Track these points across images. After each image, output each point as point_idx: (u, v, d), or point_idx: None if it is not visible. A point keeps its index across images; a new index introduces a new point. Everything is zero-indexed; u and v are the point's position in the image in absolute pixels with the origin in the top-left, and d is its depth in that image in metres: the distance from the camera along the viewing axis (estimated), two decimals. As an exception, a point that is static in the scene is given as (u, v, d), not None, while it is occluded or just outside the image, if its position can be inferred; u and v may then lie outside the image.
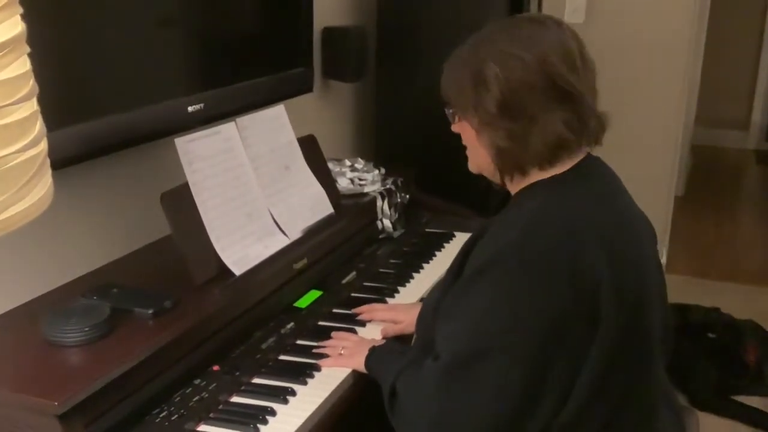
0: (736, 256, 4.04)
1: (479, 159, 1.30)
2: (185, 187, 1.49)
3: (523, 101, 1.19)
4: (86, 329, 1.25)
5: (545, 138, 1.20)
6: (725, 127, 5.93)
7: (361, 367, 1.40)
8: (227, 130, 1.63)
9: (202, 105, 1.68)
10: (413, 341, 1.46)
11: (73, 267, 1.53)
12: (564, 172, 1.23)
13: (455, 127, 1.32)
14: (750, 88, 5.89)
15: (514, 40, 1.20)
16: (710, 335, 2.66)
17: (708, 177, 5.27)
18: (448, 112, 1.31)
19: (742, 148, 5.95)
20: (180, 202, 1.47)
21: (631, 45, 3.27)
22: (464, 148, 1.33)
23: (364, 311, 1.62)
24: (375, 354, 1.40)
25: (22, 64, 0.75)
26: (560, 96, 1.19)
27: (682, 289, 3.11)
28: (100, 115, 1.45)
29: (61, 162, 1.36)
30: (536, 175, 1.25)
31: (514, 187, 1.29)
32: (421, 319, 1.41)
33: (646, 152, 3.32)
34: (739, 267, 3.89)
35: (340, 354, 1.44)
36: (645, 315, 1.21)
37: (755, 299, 3.46)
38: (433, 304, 1.33)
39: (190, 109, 1.65)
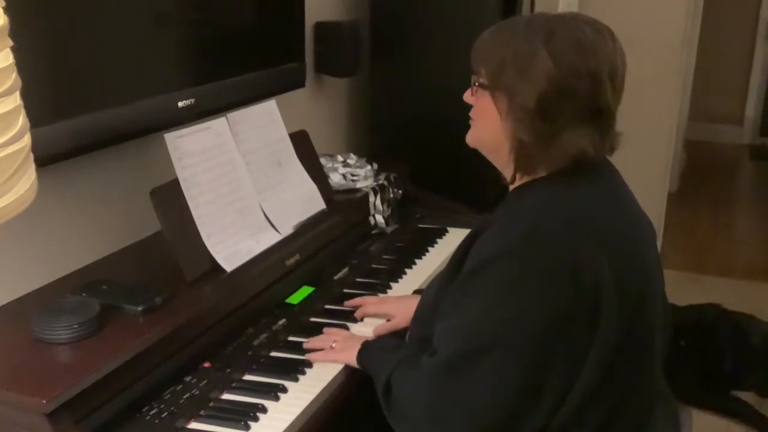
0: (730, 251, 4.05)
1: (486, 137, 1.26)
2: (175, 183, 1.48)
3: (562, 107, 1.16)
4: (75, 326, 1.24)
5: (569, 149, 1.18)
6: (719, 122, 5.94)
7: (352, 361, 1.39)
8: (218, 125, 1.62)
9: (192, 100, 1.66)
10: (408, 336, 1.45)
11: (62, 264, 1.52)
12: (567, 170, 1.21)
13: (470, 98, 1.27)
14: (743, 83, 5.90)
15: (576, 43, 1.16)
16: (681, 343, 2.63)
17: (702, 172, 5.28)
18: (474, 81, 1.25)
19: (736, 143, 5.96)
20: (170, 198, 1.46)
21: (625, 40, 3.25)
22: (460, 142, 1.30)
23: (356, 304, 1.61)
24: (367, 349, 1.39)
25: (4, 58, 0.74)
26: (596, 113, 1.17)
27: (676, 285, 3.11)
28: (90, 111, 1.44)
29: (51, 158, 1.36)
30: (540, 175, 1.23)
31: (517, 180, 1.26)
32: (418, 315, 1.39)
33: (640, 148, 3.31)
34: (734, 262, 3.90)
35: (332, 347, 1.43)
36: (645, 315, 1.20)
37: (750, 294, 3.46)
38: (431, 300, 1.32)
39: (180, 104, 1.64)
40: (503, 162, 1.26)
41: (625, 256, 1.17)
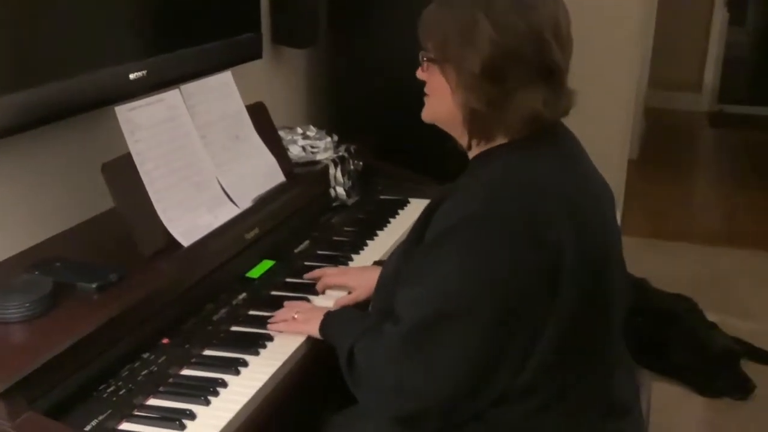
0: (690, 217, 4.11)
1: (440, 111, 1.26)
2: (128, 157, 1.45)
3: (509, 70, 1.16)
4: (27, 305, 1.22)
5: (522, 111, 1.18)
6: (678, 89, 5.99)
7: (315, 332, 1.38)
8: (171, 97, 1.59)
9: (144, 72, 1.63)
10: (370, 306, 1.44)
11: (13, 242, 1.48)
12: (525, 137, 1.21)
13: (422, 74, 1.27)
14: (702, 50, 5.95)
15: (515, 5, 1.16)
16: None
17: (661, 139, 5.33)
18: (422, 57, 1.26)
19: (694, 110, 6.02)
20: (123, 173, 1.43)
21: (585, 8, 3.26)
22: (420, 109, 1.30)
23: (316, 276, 1.61)
24: (330, 319, 1.38)
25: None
26: (545, 72, 1.17)
27: (636, 250, 3.15)
28: (38, 84, 1.39)
29: (-4, 133, 1.32)
30: (499, 142, 1.23)
31: (474, 150, 1.27)
32: (380, 286, 1.39)
33: (599, 115, 3.33)
34: (693, 227, 3.96)
35: (294, 319, 1.42)
36: (606, 279, 1.21)
37: (709, 258, 3.52)
38: (392, 270, 1.32)
39: (132, 76, 1.60)
40: (459, 133, 1.27)
41: (584, 221, 1.18)
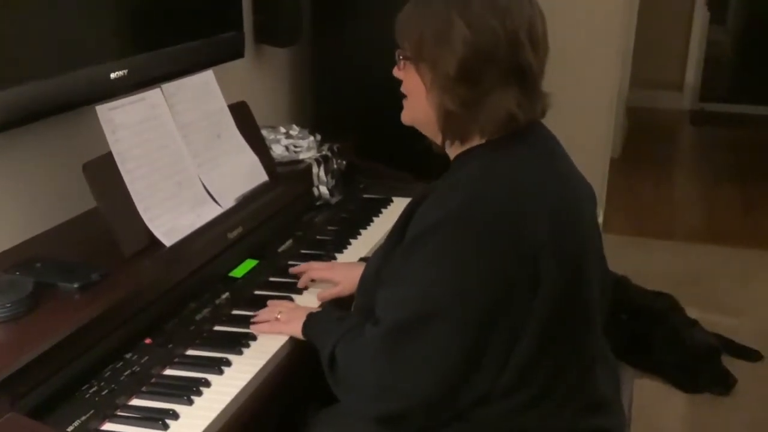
0: (671, 215, 4.15)
1: (417, 112, 1.27)
2: (109, 156, 1.44)
3: (483, 71, 1.17)
4: (8, 305, 1.21)
5: (495, 112, 1.19)
6: (659, 88, 6.04)
7: (297, 333, 1.38)
8: (153, 96, 1.58)
9: (125, 71, 1.62)
10: (353, 306, 1.44)
11: (-6, 242, 1.47)
12: (504, 137, 1.22)
13: (398, 73, 1.28)
14: (683, 49, 6.00)
15: (490, 6, 1.16)
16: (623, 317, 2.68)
17: (643, 138, 5.37)
18: (398, 56, 1.27)
19: (676, 109, 6.07)
20: (104, 173, 1.43)
21: (566, 7, 3.28)
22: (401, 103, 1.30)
23: (302, 270, 1.61)
24: (312, 320, 1.38)
25: None
26: (519, 74, 1.18)
27: (619, 248, 3.18)
28: (18, 83, 1.38)
29: (-25, 133, 1.31)
30: (476, 142, 1.24)
31: (452, 150, 1.28)
32: (362, 285, 1.39)
33: (582, 114, 3.35)
34: (674, 225, 3.99)
35: (276, 319, 1.42)
36: (584, 277, 1.22)
37: (690, 256, 3.55)
38: (374, 269, 1.32)
39: (112, 75, 1.59)
40: (434, 133, 1.28)
41: (564, 219, 1.18)
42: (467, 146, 1.25)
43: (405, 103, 1.30)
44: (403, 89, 1.29)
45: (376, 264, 1.32)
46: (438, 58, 1.18)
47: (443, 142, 1.27)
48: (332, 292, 1.54)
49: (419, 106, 1.25)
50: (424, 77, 1.22)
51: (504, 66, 1.17)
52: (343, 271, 1.58)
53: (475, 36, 1.16)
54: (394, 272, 1.21)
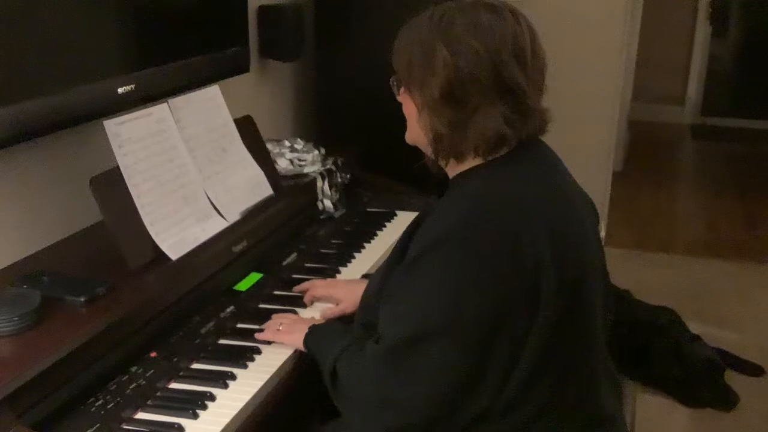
0: (673, 229, 4.15)
1: (417, 133, 1.29)
2: (116, 170, 1.45)
3: (467, 92, 1.18)
4: (15, 319, 1.22)
5: (483, 132, 1.20)
6: (661, 102, 6.05)
7: (299, 344, 1.39)
8: (159, 111, 1.59)
9: (132, 86, 1.63)
10: (354, 322, 1.45)
11: (1, 255, 1.48)
12: (502, 156, 1.23)
13: (399, 98, 1.31)
14: (685, 63, 6.02)
15: (472, 27, 1.18)
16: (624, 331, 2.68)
17: (645, 152, 5.38)
18: (393, 82, 1.30)
19: (678, 123, 6.09)
20: (111, 187, 1.44)
21: (568, 21, 3.31)
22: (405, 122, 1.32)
23: (304, 288, 1.61)
24: (314, 332, 1.39)
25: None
26: (504, 90, 1.19)
27: (621, 261, 3.19)
28: (27, 98, 1.40)
29: (-15, 147, 1.32)
30: (473, 161, 1.25)
31: (450, 170, 1.29)
32: (365, 301, 1.40)
33: (584, 128, 3.37)
34: (676, 239, 3.99)
35: (279, 330, 1.43)
36: (585, 292, 1.22)
37: (692, 270, 3.56)
38: (376, 286, 1.33)
39: (120, 90, 1.60)
40: (430, 154, 1.29)
41: (564, 237, 1.19)
42: (465, 166, 1.26)
43: (407, 125, 1.32)
44: (404, 112, 1.31)
45: (378, 280, 1.33)
46: (424, 82, 1.21)
47: (436, 161, 1.29)
48: (336, 310, 1.55)
49: (416, 128, 1.28)
50: (415, 100, 1.25)
51: (488, 85, 1.18)
52: (345, 288, 1.59)
53: (455, 58, 1.17)
54: (396, 290, 1.22)
